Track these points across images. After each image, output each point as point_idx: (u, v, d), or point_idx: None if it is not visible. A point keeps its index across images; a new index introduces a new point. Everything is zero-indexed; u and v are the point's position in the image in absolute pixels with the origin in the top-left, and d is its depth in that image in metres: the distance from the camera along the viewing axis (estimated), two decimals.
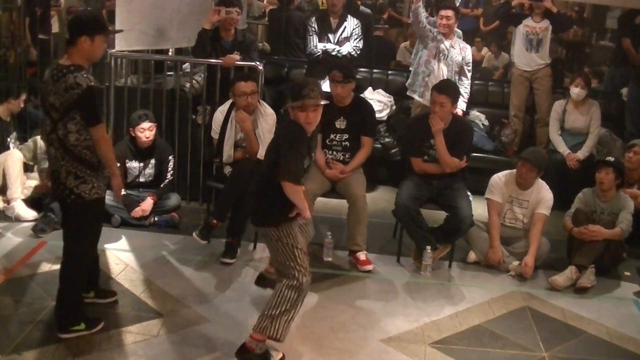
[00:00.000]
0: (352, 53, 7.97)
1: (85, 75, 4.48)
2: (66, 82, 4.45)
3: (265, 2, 12.62)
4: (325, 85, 7.02)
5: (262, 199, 4.66)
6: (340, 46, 7.98)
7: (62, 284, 4.82)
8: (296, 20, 10.12)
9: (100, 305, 5.23)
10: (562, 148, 8.14)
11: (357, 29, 8.08)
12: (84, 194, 4.64)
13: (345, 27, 8.05)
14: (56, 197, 4.93)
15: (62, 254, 4.88)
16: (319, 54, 7.97)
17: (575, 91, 8.07)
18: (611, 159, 6.68)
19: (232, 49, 7.34)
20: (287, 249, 4.56)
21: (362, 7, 9.64)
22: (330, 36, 8.03)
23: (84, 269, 4.92)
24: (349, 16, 8.14)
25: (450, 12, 7.74)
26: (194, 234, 6.26)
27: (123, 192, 6.80)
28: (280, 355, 4.69)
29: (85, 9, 6.56)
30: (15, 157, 7.02)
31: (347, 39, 8.03)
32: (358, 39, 8.05)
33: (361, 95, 8.05)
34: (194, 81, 7.68)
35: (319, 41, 8.02)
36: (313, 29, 8.07)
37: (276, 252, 4.64)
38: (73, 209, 4.70)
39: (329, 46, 7.97)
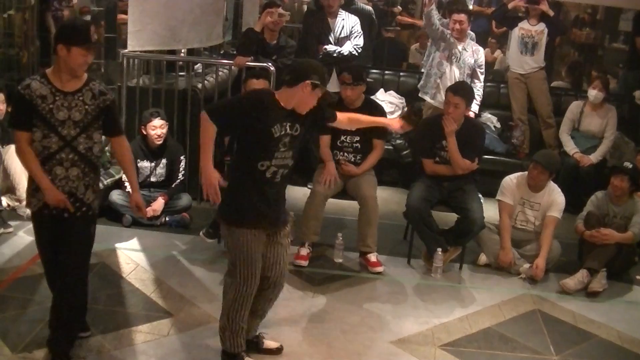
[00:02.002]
0: (353, 52, 7.85)
1: (25, 81, 4.34)
2: None
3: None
4: (333, 85, 6.98)
5: (225, 192, 4.48)
6: (340, 46, 7.92)
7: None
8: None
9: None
10: (570, 148, 8.13)
11: (355, 26, 7.95)
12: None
13: (343, 26, 7.95)
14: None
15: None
16: (320, 56, 7.92)
17: (593, 93, 8.05)
18: (629, 165, 6.63)
19: (272, 52, 7.36)
20: (232, 251, 4.44)
21: (361, 5, 9.50)
22: (330, 37, 7.96)
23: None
24: (346, 14, 8.00)
25: (463, 17, 7.72)
26: (200, 233, 6.30)
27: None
28: None
29: (76, 19, 6.40)
30: (14, 153, 6.92)
31: (347, 37, 7.92)
32: (358, 37, 7.92)
33: (372, 96, 8.04)
34: (205, 81, 7.70)
35: (319, 43, 7.96)
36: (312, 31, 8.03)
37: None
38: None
39: (330, 47, 7.88)
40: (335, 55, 7.80)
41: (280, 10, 7.24)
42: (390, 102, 8.71)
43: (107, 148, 7.01)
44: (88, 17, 11.26)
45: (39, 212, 4.44)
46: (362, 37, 8.00)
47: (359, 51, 7.97)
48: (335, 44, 7.88)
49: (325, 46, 7.86)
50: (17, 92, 4.32)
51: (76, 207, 4.41)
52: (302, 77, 4.28)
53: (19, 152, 4.39)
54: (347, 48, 7.85)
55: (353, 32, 7.94)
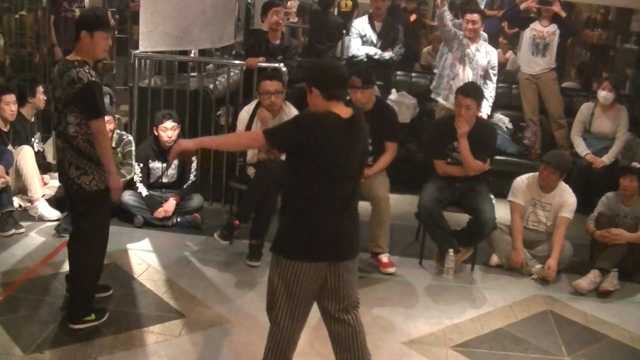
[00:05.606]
0: (395, 58, 7.97)
1: (87, 70, 4.62)
2: (69, 76, 4.61)
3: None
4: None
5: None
6: (382, 51, 7.96)
7: (74, 274, 5.00)
8: (332, 24, 10.03)
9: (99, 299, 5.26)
10: (582, 149, 8.10)
11: (400, 34, 8.11)
12: (85, 184, 4.77)
13: (389, 32, 8.01)
14: (62, 185, 5.16)
15: (69, 243, 5.02)
16: (362, 57, 7.93)
17: (603, 94, 8.02)
18: (637, 164, 6.62)
19: (277, 52, 7.37)
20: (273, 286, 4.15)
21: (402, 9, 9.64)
22: (374, 40, 7.99)
23: (93, 258, 4.98)
24: (394, 22, 8.13)
25: (476, 16, 7.73)
26: (215, 235, 6.27)
27: (146, 192, 6.92)
28: None
29: (94, 7, 6.91)
30: (27, 154, 6.93)
31: (391, 44, 8.02)
32: (401, 44, 8.12)
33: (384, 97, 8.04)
34: (217, 82, 7.70)
35: (362, 44, 8.00)
36: (357, 32, 8.03)
37: None
38: (75, 198, 4.90)
39: (371, 50, 7.93)
40: (376, 57, 7.85)
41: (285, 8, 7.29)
42: (402, 103, 8.69)
43: (118, 149, 7.03)
44: None
45: (101, 190, 4.83)
46: (403, 46, 8.21)
47: (400, 58, 8.15)
48: (378, 49, 7.95)
49: (368, 48, 7.95)
50: (91, 84, 4.61)
51: (64, 179, 4.86)
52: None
53: (103, 137, 4.76)
54: (389, 53, 7.96)
55: (397, 40, 8.12)
